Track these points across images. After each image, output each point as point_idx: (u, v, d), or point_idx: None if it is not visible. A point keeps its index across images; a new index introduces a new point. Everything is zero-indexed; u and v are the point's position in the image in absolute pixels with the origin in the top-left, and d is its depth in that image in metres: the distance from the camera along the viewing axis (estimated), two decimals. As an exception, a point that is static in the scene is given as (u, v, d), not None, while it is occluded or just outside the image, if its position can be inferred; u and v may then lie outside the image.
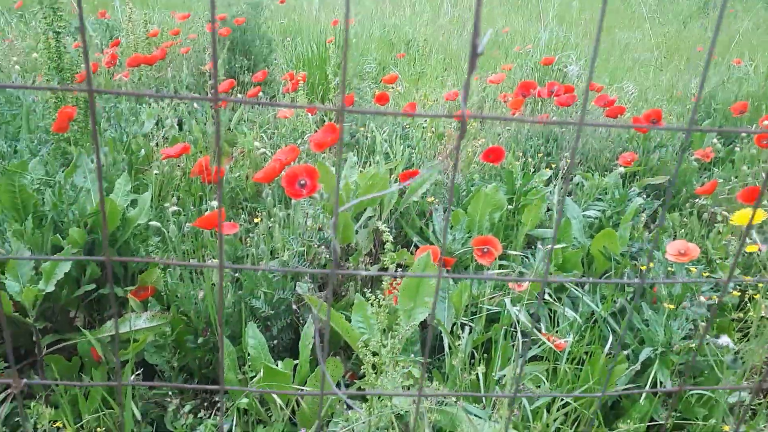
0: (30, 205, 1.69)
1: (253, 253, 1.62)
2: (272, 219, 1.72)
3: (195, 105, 2.93)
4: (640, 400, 1.45)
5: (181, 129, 2.71)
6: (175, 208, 1.54)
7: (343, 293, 1.75)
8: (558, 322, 1.59)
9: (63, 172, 1.76)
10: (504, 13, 8.04)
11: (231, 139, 2.75)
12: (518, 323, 1.37)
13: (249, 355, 1.33)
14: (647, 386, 1.50)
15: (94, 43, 3.71)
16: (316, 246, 1.58)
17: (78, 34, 4.43)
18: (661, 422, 1.46)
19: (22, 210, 1.68)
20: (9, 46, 3.30)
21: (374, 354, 1.11)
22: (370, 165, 2.11)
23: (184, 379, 1.60)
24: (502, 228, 1.93)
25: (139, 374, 1.57)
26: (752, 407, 1.50)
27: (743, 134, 2.65)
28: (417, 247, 1.86)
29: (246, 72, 3.52)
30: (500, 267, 1.76)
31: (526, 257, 1.84)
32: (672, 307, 1.49)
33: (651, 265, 1.65)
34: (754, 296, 1.61)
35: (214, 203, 1.54)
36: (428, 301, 1.22)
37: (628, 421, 1.34)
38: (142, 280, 1.68)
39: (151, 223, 1.56)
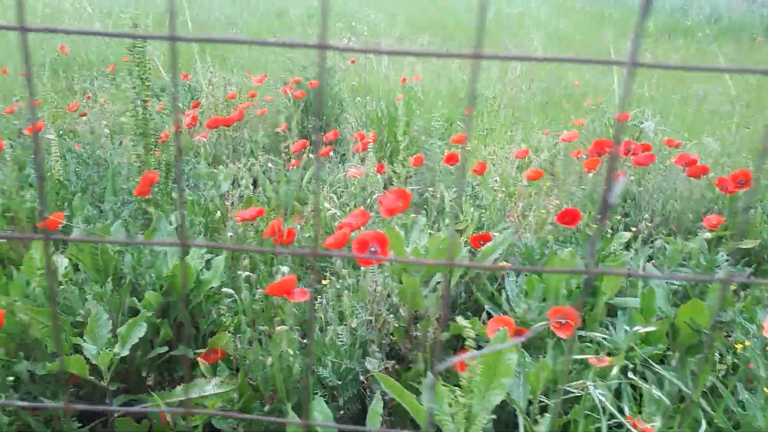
0: (111, 267, 1.75)
1: (321, 318, 1.60)
2: (339, 282, 1.70)
3: (269, 164, 3.02)
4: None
5: (255, 188, 2.78)
6: (247, 273, 1.56)
7: (412, 362, 1.69)
8: (643, 403, 1.47)
9: (143, 234, 1.82)
10: (574, 66, 7.97)
11: (301, 198, 2.79)
12: (601, 407, 1.28)
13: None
14: (748, 480, 1.35)
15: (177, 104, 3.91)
16: (384, 314, 1.54)
17: (163, 95, 4.71)
18: None
19: (103, 272, 1.74)
20: (100, 109, 3.53)
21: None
22: (438, 227, 2.08)
23: (249, 446, 1.57)
24: (580, 296, 1.84)
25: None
26: None
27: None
28: (489, 314, 1.79)
29: (318, 132, 3.61)
30: (579, 339, 1.67)
31: (607, 328, 1.74)
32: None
33: (747, 343, 1.52)
34: None
35: (285, 268, 1.54)
36: (505, 382, 1.16)
37: None
38: (213, 343, 1.69)
39: (224, 289, 1.57)
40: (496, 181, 2.47)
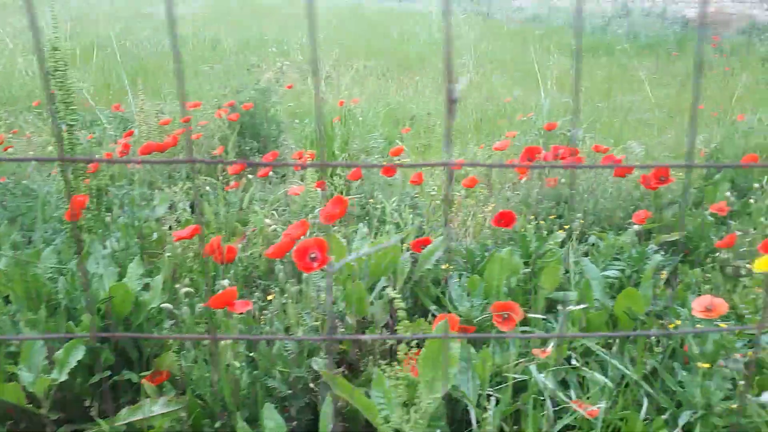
0: (43, 294, 1.68)
1: (267, 331, 1.58)
2: (285, 295, 1.69)
3: (207, 188, 2.98)
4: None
5: (193, 212, 2.74)
6: (186, 289, 1.53)
7: (362, 369, 1.69)
8: (588, 388, 1.52)
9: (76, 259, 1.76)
10: (505, 85, 8.26)
11: (243, 219, 2.77)
12: (546, 391, 1.31)
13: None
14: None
15: (109, 134, 3.83)
16: (329, 320, 1.54)
17: (92, 127, 4.58)
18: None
19: (36, 299, 1.67)
20: (27, 142, 3.41)
21: (396, 431, 1.06)
22: (381, 235, 2.10)
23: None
24: (520, 292, 1.89)
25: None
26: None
27: (756, 186, 2.63)
28: (435, 316, 1.82)
29: (256, 154, 3.59)
30: (523, 333, 1.71)
31: (548, 321, 1.79)
32: (707, 365, 1.42)
33: (678, 322, 1.60)
34: (791, 350, 1.54)
35: (225, 282, 1.52)
36: (451, 372, 1.17)
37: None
38: (157, 364, 1.64)
39: (163, 305, 1.54)
40: (434, 190, 2.52)
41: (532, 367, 1.33)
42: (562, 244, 2.34)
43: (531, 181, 2.80)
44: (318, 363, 1.38)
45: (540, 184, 2.84)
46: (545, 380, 1.32)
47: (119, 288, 1.62)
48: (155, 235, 2.03)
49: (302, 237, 1.67)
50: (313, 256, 1.47)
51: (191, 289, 1.54)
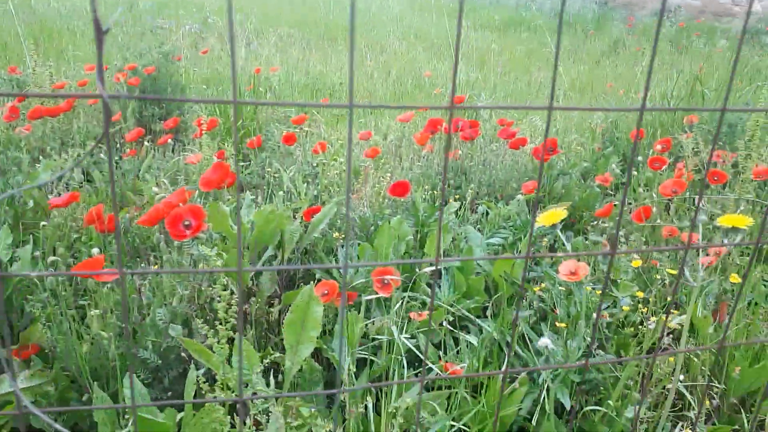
0: None
1: (141, 303, 1.55)
2: (160, 264, 1.65)
3: (101, 155, 2.86)
4: (545, 422, 1.45)
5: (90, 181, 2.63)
6: (53, 258, 1.47)
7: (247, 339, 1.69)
8: (461, 350, 1.58)
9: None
10: (426, 60, 8.30)
11: (137, 188, 2.67)
12: (403, 352, 1.36)
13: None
14: (550, 407, 1.50)
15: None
16: (206, 288, 1.53)
17: (-16, 91, 4.27)
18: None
19: None
20: None
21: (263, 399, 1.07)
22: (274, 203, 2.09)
23: (72, 440, 1.49)
24: (407, 259, 1.93)
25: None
26: (650, 420, 1.52)
27: (639, 159, 2.78)
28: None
29: (158, 120, 3.47)
30: (408, 299, 1.75)
31: (431, 287, 1.84)
32: (564, 325, 1.51)
33: (543, 286, 1.68)
34: (643, 310, 1.65)
35: (95, 250, 1.47)
36: (314, 335, 1.19)
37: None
38: (24, 338, 1.58)
39: (24, 272, 1.47)
40: (336, 160, 2.51)
41: (393, 328, 1.37)
42: (457, 213, 2.41)
43: (432, 154, 2.85)
44: (175, 329, 1.36)
45: (442, 156, 2.89)
46: (405, 340, 1.36)
47: (-20, 258, 1.54)
48: (30, 203, 1.93)
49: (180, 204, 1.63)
50: (186, 223, 1.44)
51: (58, 258, 1.48)
